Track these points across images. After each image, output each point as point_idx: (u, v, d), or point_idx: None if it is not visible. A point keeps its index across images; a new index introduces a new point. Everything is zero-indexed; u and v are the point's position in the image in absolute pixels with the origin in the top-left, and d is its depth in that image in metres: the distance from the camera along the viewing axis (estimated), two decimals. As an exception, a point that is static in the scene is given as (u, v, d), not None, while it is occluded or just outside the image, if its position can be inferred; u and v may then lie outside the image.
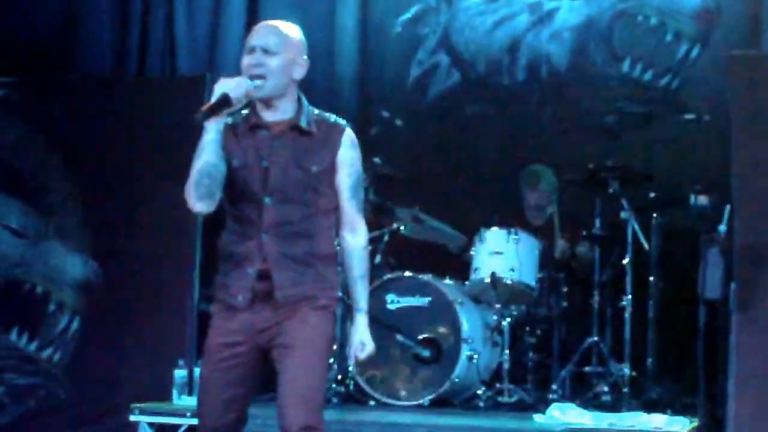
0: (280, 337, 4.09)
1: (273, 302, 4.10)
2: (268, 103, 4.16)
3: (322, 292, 4.13)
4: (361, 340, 4.24)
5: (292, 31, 4.21)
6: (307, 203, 4.14)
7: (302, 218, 4.12)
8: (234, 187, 4.13)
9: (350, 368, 6.93)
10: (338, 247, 4.27)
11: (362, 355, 4.26)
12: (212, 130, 4.03)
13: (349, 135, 4.21)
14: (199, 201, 4.02)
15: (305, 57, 4.20)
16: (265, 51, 4.11)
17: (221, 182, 4.05)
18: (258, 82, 4.08)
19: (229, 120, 4.16)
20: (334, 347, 7.06)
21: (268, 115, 4.17)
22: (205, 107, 4.01)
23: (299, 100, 4.21)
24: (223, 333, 4.14)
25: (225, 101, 4.01)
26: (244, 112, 4.20)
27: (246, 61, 4.13)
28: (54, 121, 7.97)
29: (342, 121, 4.26)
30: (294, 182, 4.12)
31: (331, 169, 4.16)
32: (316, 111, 4.24)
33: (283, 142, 4.14)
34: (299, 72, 4.18)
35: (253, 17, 8.33)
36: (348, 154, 4.19)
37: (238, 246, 4.13)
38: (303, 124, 4.16)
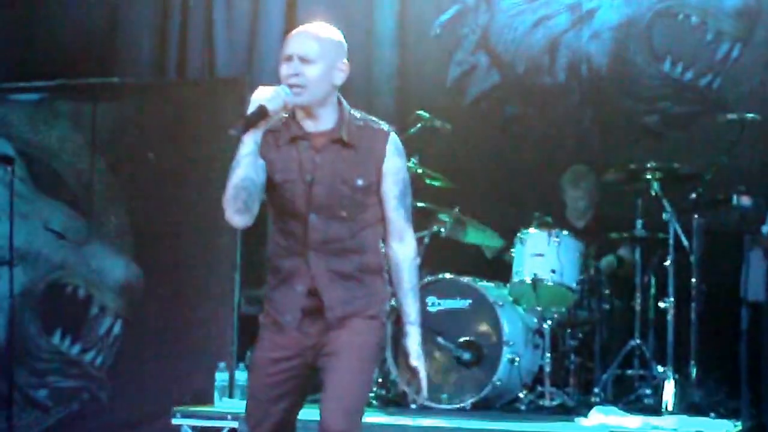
0: (327, 347, 4.06)
1: (323, 321, 4.05)
2: (308, 111, 4.05)
3: (371, 305, 4.09)
4: (418, 353, 4.15)
5: (331, 34, 4.07)
6: (354, 219, 4.06)
7: (350, 234, 4.05)
8: (278, 200, 4.06)
9: (395, 376, 6.93)
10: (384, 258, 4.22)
11: (421, 379, 4.16)
12: (249, 143, 3.92)
13: (393, 142, 4.10)
14: (237, 215, 3.94)
15: (345, 60, 4.08)
16: (303, 59, 3.98)
17: (259, 195, 3.97)
18: (297, 90, 3.97)
19: (268, 125, 4.09)
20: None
21: (309, 125, 4.06)
22: (241, 121, 3.90)
23: (340, 106, 4.10)
24: (272, 348, 4.10)
25: (262, 113, 3.90)
26: (284, 114, 4.08)
27: (283, 70, 4.01)
28: (96, 124, 8.01)
29: (386, 127, 4.14)
30: (340, 198, 4.02)
31: (376, 181, 4.07)
32: (358, 115, 4.13)
33: (326, 157, 4.03)
34: (340, 77, 4.06)
35: (290, 19, 8.35)
36: (393, 163, 4.08)
37: (285, 261, 4.06)
38: (344, 136, 4.04)
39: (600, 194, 7.68)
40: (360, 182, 4.04)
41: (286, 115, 4.09)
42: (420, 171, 7.27)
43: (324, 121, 4.07)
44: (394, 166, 4.09)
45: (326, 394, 4.01)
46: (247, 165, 3.91)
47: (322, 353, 4.06)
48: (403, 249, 4.14)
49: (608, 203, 7.69)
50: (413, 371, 4.17)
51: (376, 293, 4.11)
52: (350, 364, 4.02)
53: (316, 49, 4.00)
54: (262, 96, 3.93)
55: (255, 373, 4.16)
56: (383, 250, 4.18)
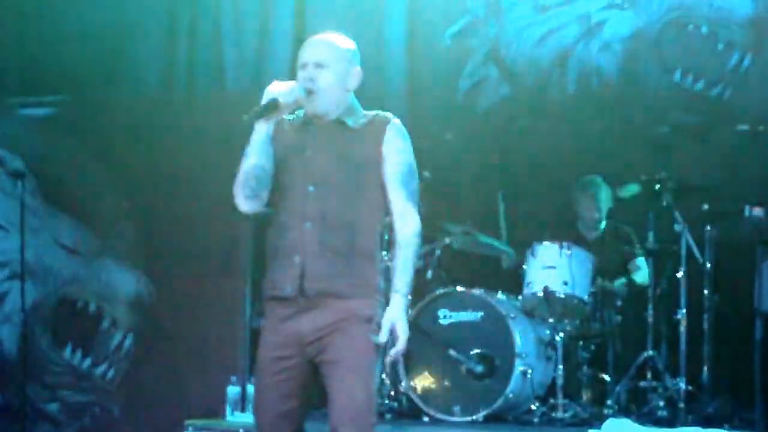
0: (327, 353, 4.09)
1: (309, 295, 4.08)
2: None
3: (359, 292, 4.11)
4: (393, 321, 4.09)
5: (344, 42, 4.24)
6: (350, 194, 4.15)
7: (345, 208, 4.13)
8: (279, 178, 4.16)
9: (406, 388, 6.92)
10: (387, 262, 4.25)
11: (398, 346, 4.10)
12: (260, 132, 4.11)
13: (394, 125, 4.21)
14: (245, 201, 4.12)
15: (358, 67, 4.23)
16: (318, 65, 4.14)
17: (268, 183, 4.11)
18: (311, 96, 4.12)
19: (289, 117, 4.21)
20: (387, 360, 7.06)
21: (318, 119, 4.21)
22: (254, 109, 4.08)
23: (351, 103, 4.23)
24: (273, 347, 4.15)
25: (274, 105, 4.08)
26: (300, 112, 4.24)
27: (299, 75, 4.17)
28: (105, 138, 8.02)
29: (389, 115, 4.26)
30: (337, 171, 4.14)
31: (376, 161, 4.16)
32: (366, 112, 4.25)
33: (328, 135, 4.17)
34: (353, 82, 4.22)
35: (300, 33, 8.35)
36: (393, 143, 4.17)
37: (283, 238, 4.14)
38: (349, 121, 4.18)
39: (612, 205, 7.65)
40: (358, 157, 4.13)
41: (302, 114, 4.24)
42: (431, 184, 7.26)
43: (334, 113, 4.20)
44: (394, 147, 4.17)
45: (333, 408, 4.06)
46: (258, 152, 4.10)
47: (322, 359, 4.09)
48: (405, 227, 4.17)
49: (620, 215, 7.67)
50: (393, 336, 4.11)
51: (362, 278, 4.14)
52: (352, 374, 4.06)
53: (330, 55, 4.18)
54: (277, 89, 4.10)
55: (259, 375, 4.22)
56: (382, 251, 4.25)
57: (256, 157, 4.08)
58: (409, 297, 4.19)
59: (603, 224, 7.71)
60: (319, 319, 4.10)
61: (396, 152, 4.16)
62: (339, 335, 4.08)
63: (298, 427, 4.20)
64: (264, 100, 4.07)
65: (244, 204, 4.11)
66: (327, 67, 4.14)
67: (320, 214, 4.10)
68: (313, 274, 4.08)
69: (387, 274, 6.89)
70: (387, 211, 4.22)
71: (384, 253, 6.93)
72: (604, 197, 7.64)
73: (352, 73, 4.20)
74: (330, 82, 4.14)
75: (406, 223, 4.17)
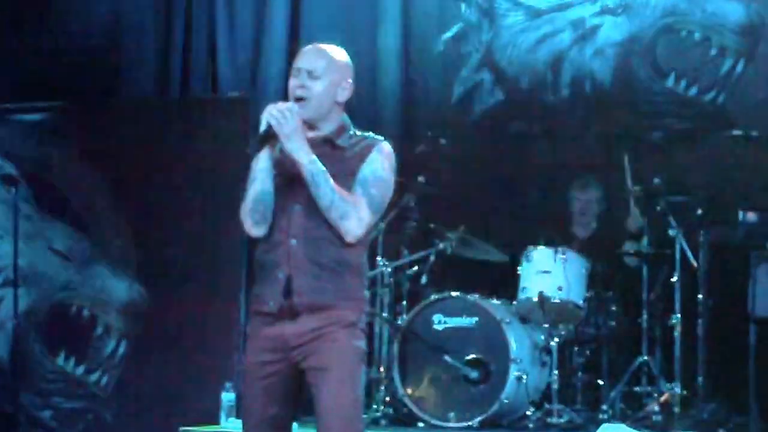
0: (312, 359, 4.10)
1: (297, 310, 4.10)
2: (310, 124, 4.20)
3: (344, 303, 4.14)
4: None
5: (339, 54, 4.27)
6: None
7: (331, 225, 4.12)
8: None
9: (402, 395, 6.91)
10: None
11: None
12: (264, 159, 4.15)
13: (380, 147, 4.23)
14: (255, 227, 4.15)
15: (350, 80, 4.26)
16: (310, 74, 4.18)
17: (272, 204, 4.14)
18: (301, 103, 4.15)
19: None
20: (381, 369, 7.08)
21: (308, 134, 4.19)
22: (255, 140, 4.15)
23: (343, 122, 4.26)
24: (259, 352, 4.17)
25: (271, 133, 4.11)
26: None
27: (291, 82, 4.22)
28: (99, 143, 8.01)
29: (379, 138, 4.29)
30: None
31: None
32: (359, 132, 4.28)
33: (314, 153, 4.15)
34: (343, 95, 4.24)
35: (294, 38, 8.36)
36: (371, 157, 4.20)
37: (269, 254, 4.15)
38: (336, 140, 4.21)
39: (605, 205, 7.67)
40: (344, 175, 4.14)
41: None
42: (425, 189, 7.26)
43: (323, 131, 4.24)
44: (371, 160, 4.19)
45: (320, 415, 4.07)
46: (263, 179, 4.14)
47: (307, 365, 4.10)
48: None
49: (613, 217, 7.67)
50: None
51: (349, 290, 4.15)
52: (338, 381, 4.07)
53: (323, 65, 4.21)
54: (273, 115, 4.11)
55: (246, 380, 4.23)
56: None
57: (261, 183, 4.13)
58: (312, 169, 4.07)
59: (595, 222, 7.70)
60: (302, 324, 4.11)
61: (369, 162, 4.19)
62: (323, 341, 4.10)
63: (286, 433, 4.22)
64: (261, 127, 4.11)
65: (254, 229, 4.14)
66: (318, 77, 4.18)
67: (305, 230, 4.12)
68: (301, 289, 4.10)
69: (384, 278, 6.98)
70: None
71: (379, 258, 7.13)
72: (598, 198, 7.65)
73: (343, 85, 4.22)
74: (320, 91, 4.18)
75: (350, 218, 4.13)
